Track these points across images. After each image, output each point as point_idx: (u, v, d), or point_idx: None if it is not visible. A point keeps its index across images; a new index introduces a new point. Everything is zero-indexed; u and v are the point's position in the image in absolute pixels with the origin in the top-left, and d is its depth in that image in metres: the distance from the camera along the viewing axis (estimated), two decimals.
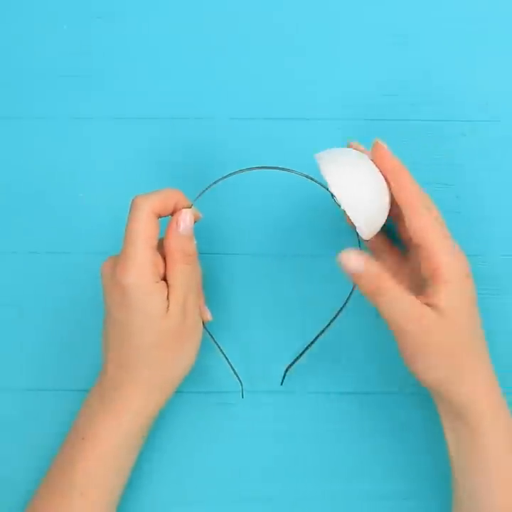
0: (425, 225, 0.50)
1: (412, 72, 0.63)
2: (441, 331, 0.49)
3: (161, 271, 0.52)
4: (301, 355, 0.57)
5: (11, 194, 0.62)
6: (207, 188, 0.54)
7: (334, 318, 0.55)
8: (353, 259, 0.47)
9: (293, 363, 0.57)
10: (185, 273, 0.52)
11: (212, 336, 0.57)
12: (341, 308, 0.54)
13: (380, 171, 0.51)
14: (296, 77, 0.63)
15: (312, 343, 0.56)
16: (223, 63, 0.64)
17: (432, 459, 0.58)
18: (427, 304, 0.49)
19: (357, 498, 0.58)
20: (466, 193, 0.62)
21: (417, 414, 0.59)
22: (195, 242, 0.53)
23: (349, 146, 0.53)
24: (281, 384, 0.58)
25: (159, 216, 0.52)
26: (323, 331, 0.55)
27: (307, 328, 0.59)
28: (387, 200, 0.51)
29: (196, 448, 0.59)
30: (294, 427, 0.59)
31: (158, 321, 0.51)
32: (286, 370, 0.57)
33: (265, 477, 0.59)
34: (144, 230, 0.51)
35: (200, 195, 0.54)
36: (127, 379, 0.52)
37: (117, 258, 0.52)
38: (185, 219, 0.52)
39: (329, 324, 0.55)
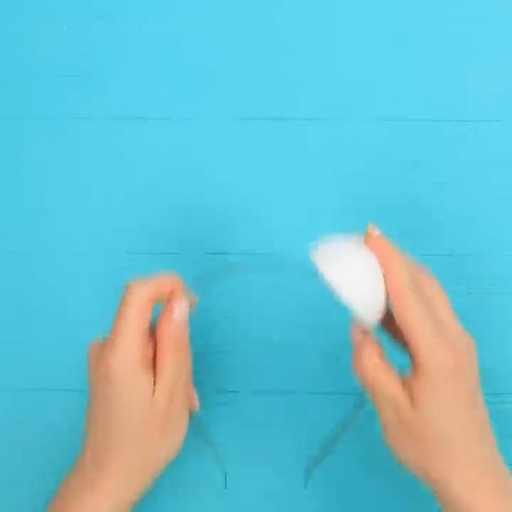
0: (406, 308, 0.47)
1: (412, 72, 0.63)
2: (413, 421, 0.48)
3: (150, 355, 0.51)
4: (321, 456, 0.56)
5: (11, 194, 0.62)
6: (205, 280, 0.53)
7: (351, 416, 0.55)
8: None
9: (314, 464, 0.57)
10: (176, 359, 0.51)
11: (199, 426, 0.55)
12: (356, 410, 0.54)
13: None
14: (296, 77, 0.63)
15: (332, 442, 0.55)
16: (223, 63, 0.64)
17: None
18: (408, 391, 0.48)
19: (361, 498, 0.58)
20: (467, 193, 0.61)
21: None
22: (188, 329, 0.52)
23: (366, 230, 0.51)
24: (306, 487, 0.57)
25: (153, 303, 0.51)
26: (344, 428, 0.55)
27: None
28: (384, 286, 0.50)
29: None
30: (293, 427, 0.59)
31: (142, 406, 0.50)
32: (308, 472, 0.57)
33: (266, 477, 0.59)
34: (136, 315, 0.50)
35: (198, 285, 0.53)
36: (107, 463, 0.51)
37: (105, 341, 0.51)
38: (181, 305, 0.51)
39: (347, 422, 0.55)
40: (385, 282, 0.48)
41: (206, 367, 0.59)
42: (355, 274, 0.48)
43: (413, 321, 0.46)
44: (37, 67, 0.64)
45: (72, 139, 0.63)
